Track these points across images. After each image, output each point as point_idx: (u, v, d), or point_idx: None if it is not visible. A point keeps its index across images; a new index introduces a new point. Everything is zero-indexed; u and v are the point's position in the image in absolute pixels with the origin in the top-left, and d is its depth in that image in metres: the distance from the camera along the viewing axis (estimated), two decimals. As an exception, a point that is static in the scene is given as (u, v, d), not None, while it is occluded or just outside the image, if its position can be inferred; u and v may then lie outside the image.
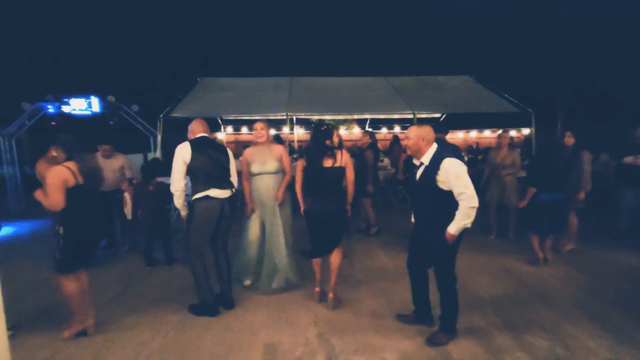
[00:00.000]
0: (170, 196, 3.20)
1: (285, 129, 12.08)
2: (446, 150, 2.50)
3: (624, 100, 14.91)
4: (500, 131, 5.49)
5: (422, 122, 10.65)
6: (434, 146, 2.53)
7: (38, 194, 2.61)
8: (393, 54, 19.52)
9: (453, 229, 2.39)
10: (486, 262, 4.23)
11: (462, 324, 2.81)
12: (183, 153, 3.03)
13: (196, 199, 3.04)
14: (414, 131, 2.54)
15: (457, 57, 17.16)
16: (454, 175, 2.36)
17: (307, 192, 3.15)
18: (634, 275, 3.81)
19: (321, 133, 3.05)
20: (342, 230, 3.16)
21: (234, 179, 3.35)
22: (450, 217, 2.41)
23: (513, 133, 14.73)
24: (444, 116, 10.39)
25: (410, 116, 9.62)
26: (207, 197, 3.03)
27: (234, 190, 3.26)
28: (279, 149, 3.61)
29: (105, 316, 3.07)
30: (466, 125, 11.73)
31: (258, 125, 3.58)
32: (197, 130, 3.25)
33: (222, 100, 8.98)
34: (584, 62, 14.18)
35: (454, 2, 16.98)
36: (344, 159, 3.08)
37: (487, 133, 15.15)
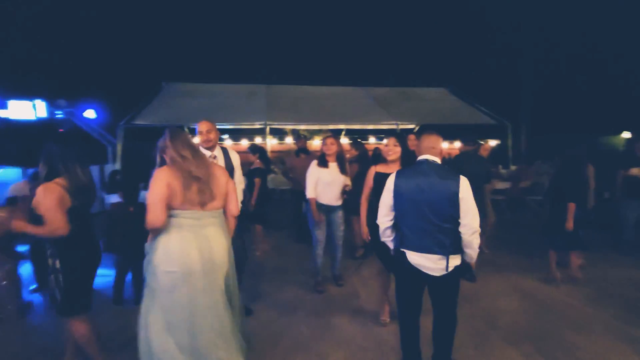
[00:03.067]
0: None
1: (259, 139, 11.51)
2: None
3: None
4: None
5: (401, 132, 10.58)
6: (418, 159, 2.22)
7: (20, 225, 2.11)
8: (372, 64, 19.61)
9: None
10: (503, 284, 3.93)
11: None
12: None
13: None
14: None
15: (433, 69, 17.58)
16: None
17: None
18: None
19: None
20: None
21: None
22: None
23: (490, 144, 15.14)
24: (417, 128, 10.44)
25: (387, 127, 9.50)
26: None
27: None
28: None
29: None
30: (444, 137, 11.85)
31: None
32: None
33: (191, 107, 8.27)
34: (550, 73, 15.17)
35: (434, 13, 17.63)
36: None
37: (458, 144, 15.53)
